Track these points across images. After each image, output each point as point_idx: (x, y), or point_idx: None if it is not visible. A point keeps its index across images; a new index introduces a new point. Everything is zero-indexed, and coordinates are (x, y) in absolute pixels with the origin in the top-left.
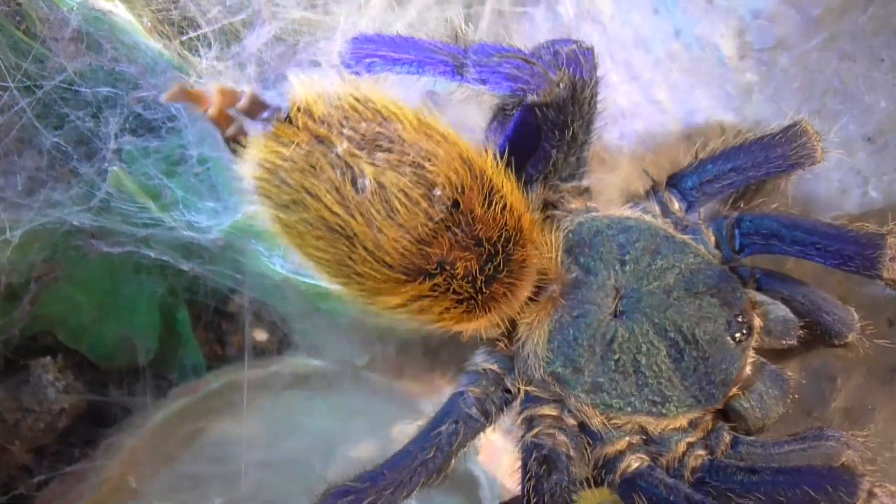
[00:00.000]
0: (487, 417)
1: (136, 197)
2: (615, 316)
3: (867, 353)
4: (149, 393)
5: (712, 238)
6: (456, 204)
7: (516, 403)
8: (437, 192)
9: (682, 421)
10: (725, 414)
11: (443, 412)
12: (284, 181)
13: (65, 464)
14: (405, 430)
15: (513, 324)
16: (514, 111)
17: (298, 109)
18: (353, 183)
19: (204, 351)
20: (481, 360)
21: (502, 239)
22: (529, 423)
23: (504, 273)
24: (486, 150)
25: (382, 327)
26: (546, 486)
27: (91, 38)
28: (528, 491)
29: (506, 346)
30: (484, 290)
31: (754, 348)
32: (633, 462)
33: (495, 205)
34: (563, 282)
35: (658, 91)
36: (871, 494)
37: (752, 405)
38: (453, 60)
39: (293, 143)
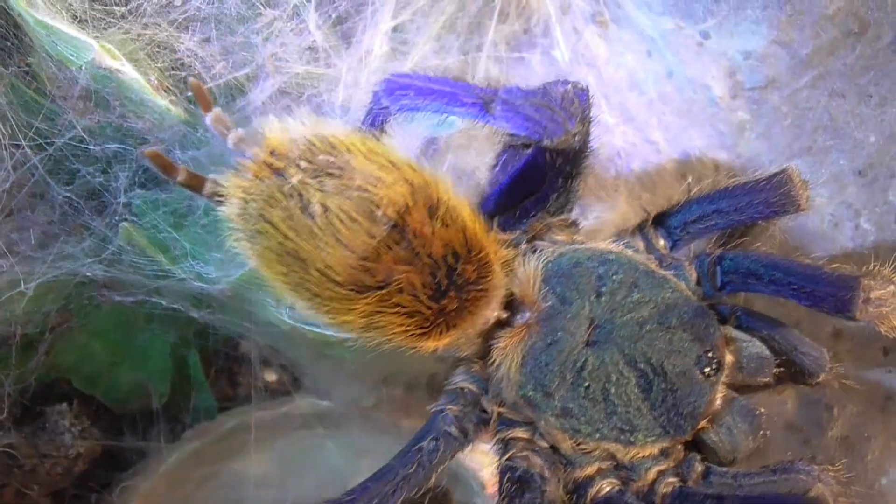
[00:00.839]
0: (466, 435)
1: (147, 251)
2: (587, 345)
3: (864, 381)
4: (163, 436)
5: (694, 275)
6: (398, 223)
7: (492, 425)
8: (379, 212)
9: (652, 450)
10: (697, 446)
11: (424, 429)
12: (248, 213)
13: None
14: None
15: (488, 347)
16: (522, 149)
17: (263, 146)
18: (304, 210)
19: (216, 394)
20: (460, 379)
21: (448, 255)
22: (504, 446)
23: (452, 289)
24: (437, 178)
25: (388, 370)
26: None
27: (99, 96)
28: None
29: (481, 367)
30: (430, 304)
31: (727, 384)
32: (605, 486)
33: (441, 222)
34: (538, 309)
35: (653, 132)
36: None
37: (720, 438)
38: (483, 100)
39: (256, 177)
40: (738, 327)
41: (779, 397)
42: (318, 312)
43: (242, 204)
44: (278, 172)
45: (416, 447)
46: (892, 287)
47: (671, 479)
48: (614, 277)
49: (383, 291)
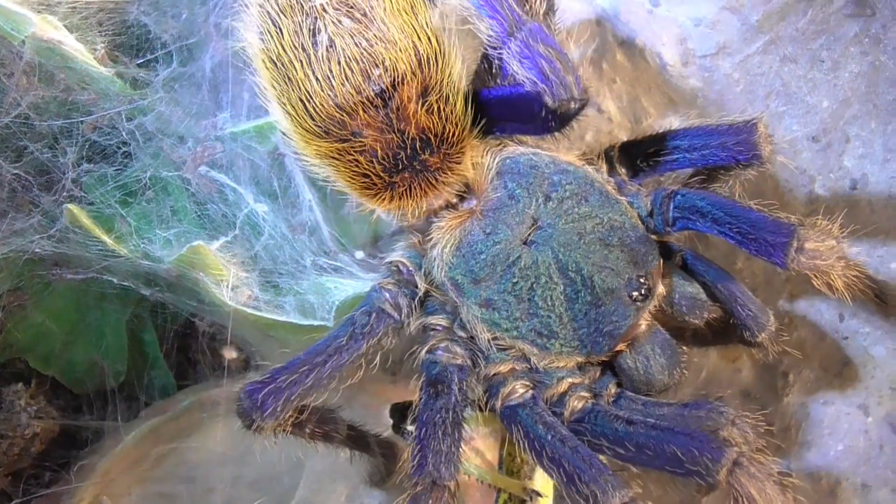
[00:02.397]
0: (399, 312)
1: (91, 232)
2: (525, 243)
3: (820, 347)
4: (120, 414)
5: (649, 206)
6: (387, 90)
7: (417, 306)
8: (376, 72)
9: (567, 361)
10: (614, 371)
11: (360, 304)
12: (267, 12)
13: (41, 486)
14: None
15: (429, 223)
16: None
17: None
18: (313, 34)
19: (173, 371)
20: (396, 255)
21: (419, 140)
22: (424, 332)
23: (408, 171)
24: (455, 59)
25: None
26: (432, 411)
27: (43, 71)
28: (416, 417)
29: (419, 242)
30: (382, 174)
31: (655, 314)
32: (518, 388)
33: (428, 106)
34: (486, 198)
35: (604, 101)
36: (736, 464)
37: (636, 365)
38: (509, 24)
39: None
40: (683, 267)
41: (734, 365)
42: (290, 129)
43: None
44: None
45: (349, 319)
46: (830, 242)
47: (583, 394)
48: (567, 187)
49: (344, 144)
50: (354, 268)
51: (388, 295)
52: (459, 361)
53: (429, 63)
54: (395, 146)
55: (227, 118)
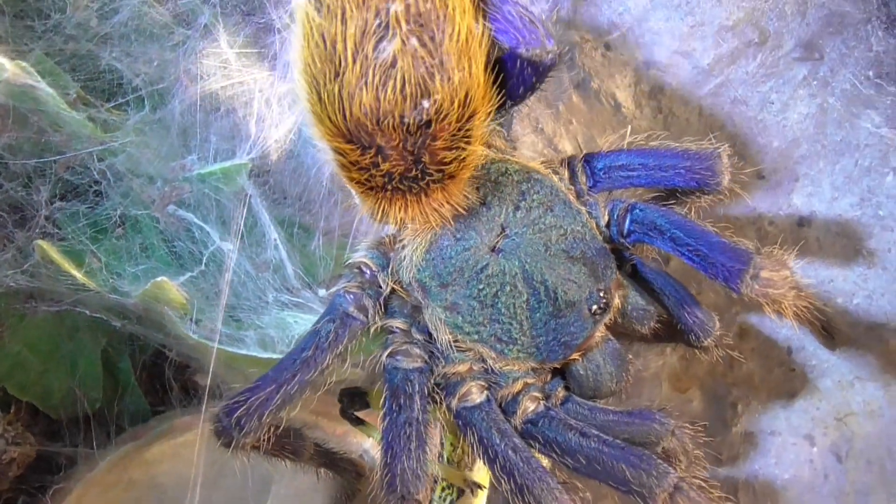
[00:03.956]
0: (365, 313)
1: (61, 267)
2: (493, 250)
3: (768, 379)
4: (95, 440)
5: (606, 217)
6: (429, 123)
7: (379, 308)
8: (426, 104)
9: (523, 366)
10: (563, 374)
11: (324, 313)
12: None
13: None
14: None
15: (401, 225)
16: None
17: None
18: (379, 40)
19: (148, 398)
20: (359, 256)
21: (433, 173)
22: (385, 337)
23: (412, 195)
24: (492, 98)
25: None
26: (397, 426)
27: (17, 113)
28: (382, 432)
29: (389, 243)
30: (389, 191)
31: (607, 325)
32: (474, 389)
33: (455, 148)
34: (454, 209)
35: (561, 141)
36: (676, 488)
37: (587, 373)
38: None
39: None
40: (633, 275)
41: (684, 395)
42: (307, 101)
43: None
44: None
45: (314, 330)
46: (785, 272)
47: (536, 394)
48: (535, 196)
49: (364, 154)
50: (316, 304)
51: (351, 298)
52: (419, 364)
53: (472, 102)
54: (409, 169)
55: (195, 160)
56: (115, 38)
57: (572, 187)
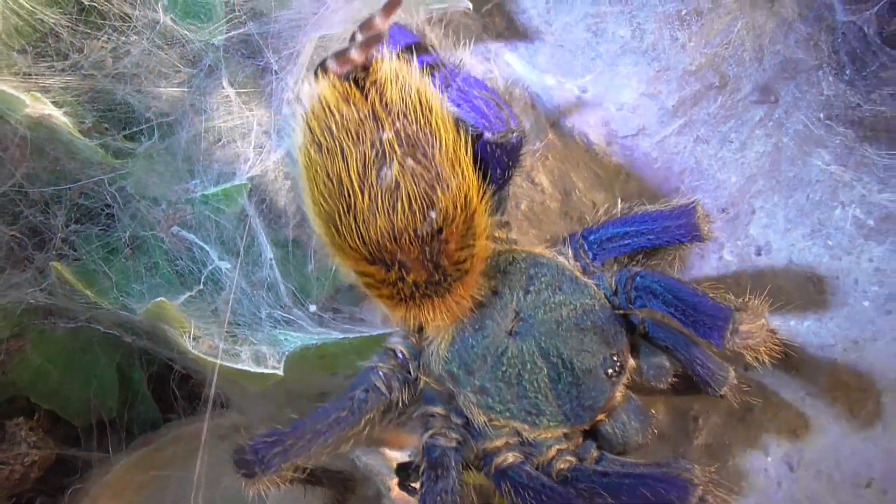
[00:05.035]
0: (391, 392)
1: (75, 287)
2: (510, 334)
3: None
4: (111, 445)
5: (613, 286)
6: (440, 230)
7: (418, 396)
8: (433, 214)
9: (554, 433)
10: (594, 435)
11: (358, 381)
12: (330, 129)
13: None
14: None
15: (424, 322)
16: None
17: (374, 82)
18: (379, 168)
19: (160, 406)
20: (395, 342)
21: (452, 273)
22: (425, 421)
23: (438, 297)
24: (484, 193)
25: (292, 392)
26: (434, 493)
27: (34, 143)
28: (419, 498)
29: (417, 340)
30: (418, 298)
31: (627, 385)
32: (509, 458)
33: (466, 246)
34: (473, 299)
35: (538, 175)
36: (701, 500)
37: (614, 431)
38: (444, 74)
39: (356, 107)
40: (645, 336)
41: (651, 409)
42: (324, 234)
43: (329, 114)
44: (376, 117)
45: (350, 395)
46: (761, 321)
47: (569, 458)
48: (542, 279)
49: (389, 271)
50: (306, 322)
51: (382, 375)
52: (454, 445)
53: (471, 202)
54: (429, 273)
55: (198, 183)
56: (127, 77)
57: (577, 263)
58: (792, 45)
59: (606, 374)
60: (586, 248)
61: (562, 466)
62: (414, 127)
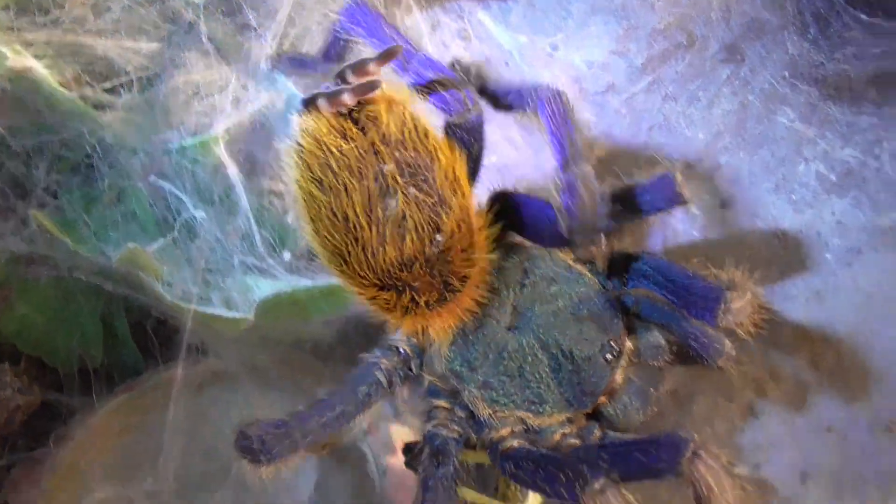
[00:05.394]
0: (391, 386)
1: (55, 234)
2: (509, 329)
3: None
4: (94, 392)
5: (606, 270)
6: (447, 249)
7: (421, 391)
8: (440, 237)
9: (558, 418)
10: (596, 416)
11: (361, 375)
12: (331, 166)
13: (25, 451)
14: None
15: (431, 329)
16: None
17: (369, 114)
18: (384, 201)
19: (143, 354)
20: (399, 338)
21: (458, 286)
22: (429, 413)
23: (445, 309)
24: (485, 213)
25: (267, 338)
26: (433, 479)
27: (16, 96)
28: (420, 481)
29: (420, 339)
30: (425, 310)
31: (626, 367)
32: (514, 444)
33: (469, 259)
34: (476, 301)
35: (511, 130)
36: (695, 454)
37: (616, 412)
38: (402, 57)
39: (354, 142)
40: (640, 316)
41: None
42: (331, 265)
43: (326, 151)
44: (376, 151)
45: (354, 389)
46: (749, 296)
47: (573, 441)
48: (537, 271)
49: (401, 295)
50: (279, 270)
51: (384, 370)
52: (456, 436)
53: (471, 218)
54: (439, 292)
55: (177, 134)
56: (108, 32)
57: (569, 248)
58: (758, 6)
59: (605, 359)
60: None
61: (567, 445)
62: (412, 154)
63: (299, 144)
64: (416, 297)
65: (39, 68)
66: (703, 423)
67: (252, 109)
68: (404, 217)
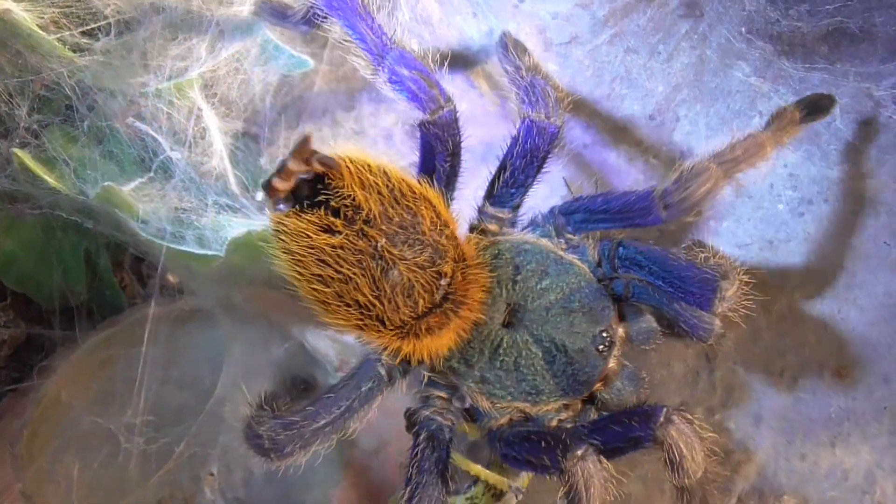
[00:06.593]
0: (392, 381)
1: (37, 173)
2: (504, 325)
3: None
4: (78, 327)
5: (596, 257)
6: (450, 284)
7: (420, 384)
8: (443, 281)
9: (555, 405)
10: (593, 400)
11: (363, 372)
12: (327, 263)
13: (10, 384)
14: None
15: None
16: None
17: (346, 199)
18: (385, 272)
19: (126, 292)
20: None
21: (462, 303)
22: (426, 400)
23: (454, 324)
24: (470, 240)
25: (241, 276)
26: (429, 462)
27: None
28: (412, 464)
29: None
30: (422, 333)
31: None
32: (507, 426)
33: (467, 277)
34: (481, 300)
35: (476, 79)
36: (667, 419)
37: (610, 397)
38: (377, 52)
39: (342, 234)
40: (631, 299)
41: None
42: (355, 336)
43: (316, 249)
44: (363, 233)
45: (358, 387)
46: (737, 283)
47: (569, 426)
48: (528, 266)
49: (420, 339)
50: (251, 210)
51: (385, 366)
52: (450, 424)
53: (460, 245)
54: (447, 318)
55: (153, 78)
56: None
57: (561, 240)
58: None
59: (598, 349)
60: (568, 223)
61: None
62: (398, 218)
63: (290, 250)
64: (434, 333)
65: (17, 10)
66: (660, 367)
67: (226, 55)
68: (409, 280)
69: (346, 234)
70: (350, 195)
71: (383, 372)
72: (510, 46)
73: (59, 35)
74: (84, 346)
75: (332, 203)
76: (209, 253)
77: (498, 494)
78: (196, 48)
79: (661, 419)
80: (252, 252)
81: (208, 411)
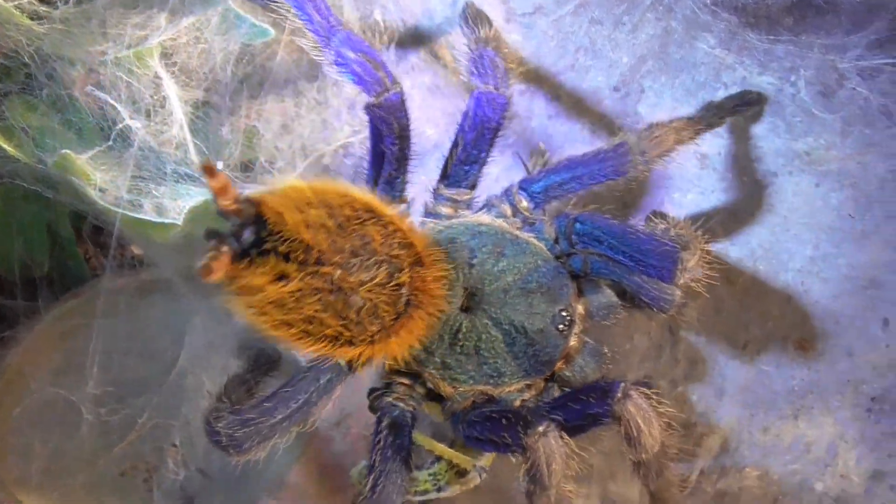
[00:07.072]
0: (353, 370)
1: None
2: (462, 310)
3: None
4: (41, 298)
5: (553, 234)
6: (411, 290)
7: (382, 371)
8: (404, 290)
9: (518, 386)
10: (556, 378)
11: (322, 363)
12: (289, 307)
13: None
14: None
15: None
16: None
17: (290, 241)
18: (346, 302)
19: (90, 263)
20: None
21: (428, 300)
22: (389, 386)
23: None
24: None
25: (200, 246)
26: (392, 449)
27: None
28: (375, 451)
29: None
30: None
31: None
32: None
33: (426, 281)
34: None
35: (440, 50)
36: (625, 395)
37: (573, 374)
38: (324, 34)
39: (297, 278)
40: (590, 274)
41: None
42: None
43: (278, 301)
44: (321, 274)
45: (316, 379)
46: (698, 252)
47: (532, 405)
48: (484, 248)
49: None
50: None
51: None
52: (412, 409)
53: (415, 244)
54: (398, 316)
55: (112, 46)
56: None
57: (516, 220)
58: None
59: (558, 329)
60: (527, 197)
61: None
62: (348, 245)
63: (249, 304)
64: (395, 332)
65: None
66: (623, 341)
67: (186, 23)
68: (372, 302)
69: (300, 277)
70: (296, 238)
71: (343, 363)
72: (470, 17)
73: (16, 2)
74: (47, 317)
75: (280, 249)
76: (166, 221)
77: (461, 472)
78: (156, 17)
79: (619, 395)
80: (211, 221)
81: (171, 383)
